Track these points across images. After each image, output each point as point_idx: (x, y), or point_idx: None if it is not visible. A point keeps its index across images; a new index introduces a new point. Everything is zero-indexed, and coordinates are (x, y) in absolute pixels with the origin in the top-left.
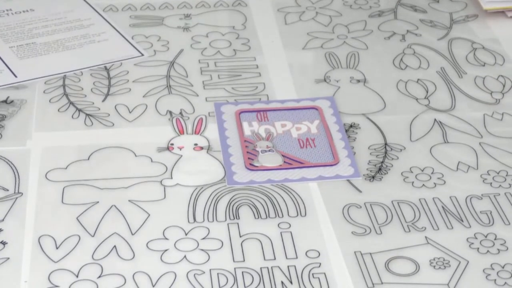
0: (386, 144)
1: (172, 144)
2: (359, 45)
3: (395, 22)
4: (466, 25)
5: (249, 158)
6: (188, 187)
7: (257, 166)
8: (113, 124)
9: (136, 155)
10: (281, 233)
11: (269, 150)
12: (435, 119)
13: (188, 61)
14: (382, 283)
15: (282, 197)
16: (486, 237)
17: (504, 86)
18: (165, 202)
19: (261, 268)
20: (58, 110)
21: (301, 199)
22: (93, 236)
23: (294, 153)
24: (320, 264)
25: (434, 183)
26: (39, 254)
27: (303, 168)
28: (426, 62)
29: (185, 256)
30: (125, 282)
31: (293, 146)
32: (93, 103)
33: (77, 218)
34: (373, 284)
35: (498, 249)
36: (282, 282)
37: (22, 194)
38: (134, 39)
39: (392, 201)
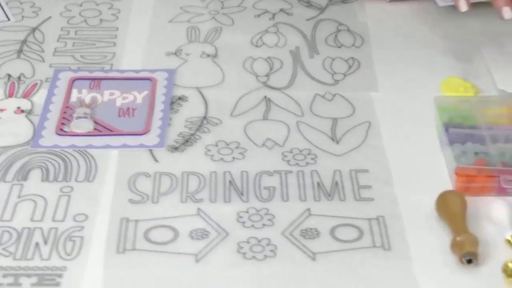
0: (204, 117)
1: None
2: (226, 21)
3: (271, 1)
4: (343, 7)
5: (63, 123)
6: None
7: (66, 132)
8: None
9: None
10: (59, 196)
11: (85, 117)
12: (265, 96)
13: (51, 29)
14: (134, 249)
15: (78, 163)
16: (258, 212)
17: (350, 67)
18: None
19: (22, 228)
20: None
21: (96, 166)
22: None
23: (110, 121)
24: (83, 227)
25: (233, 157)
26: None
27: (110, 136)
28: (284, 41)
29: None
30: None
31: (112, 114)
32: None
33: None
34: (124, 249)
35: (264, 224)
36: (37, 243)
37: None
38: (8, 4)
39: (182, 172)
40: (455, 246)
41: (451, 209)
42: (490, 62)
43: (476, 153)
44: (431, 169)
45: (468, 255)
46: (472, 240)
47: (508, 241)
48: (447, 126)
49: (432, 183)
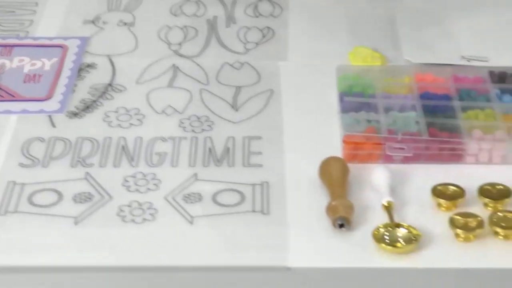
0: (109, 84)
1: None
2: None
3: None
4: None
5: None
6: None
7: None
8: None
9: None
10: None
11: None
12: (173, 64)
13: None
14: (16, 211)
15: None
16: (145, 176)
17: (264, 36)
18: None
19: None
20: None
21: None
22: None
23: (15, 87)
24: None
25: (130, 124)
26: None
27: (12, 102)
28: (204, 10)
29: None
30: None
31: (18, 80)
32: None
33: None
34: (6, 211)
35: (148, 188)
36: None
37: None
38: None
39: (77, 138)
40: (330, 211)
41: (332, 175)
42: (402, 33)
43: (369, 121)
44: (325, 137)
45: (341, 219)
46: (347, 205)
47: (384, 206)
48: (344, 95)
49: (323, 151)
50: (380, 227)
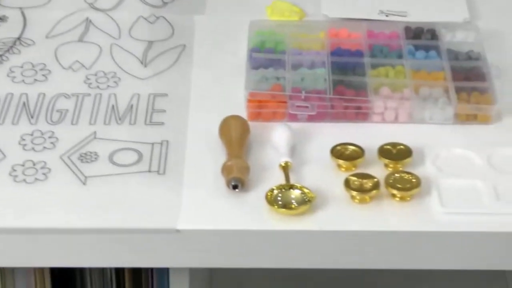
0: (18, 38)
1: None
2: None
3: None
4: None
5: None
6: None
7: None
8: None
9: None
10: None
11: None
12: (87, 18)
13: None
14: None
15: None
16: (42, 135)
17: None
18: None
19: None
20: None
21: None
22: None
23: None
24: None
25: (35, 79)
26: None
27: None
28: None
29: None
30: None
31: None
32: None
33: None
34: None
35: (44, 147)
36: None
37: None
38: None
39: None
40: (224, 171)
41: (230, 134)
42: None
43: (278, 79)
44: (231, 95)
45: (235, 180)
46: (242, 166)
47: (281, 166)
48: (255, 51)
49: (228, 109)
50: (274, 189)
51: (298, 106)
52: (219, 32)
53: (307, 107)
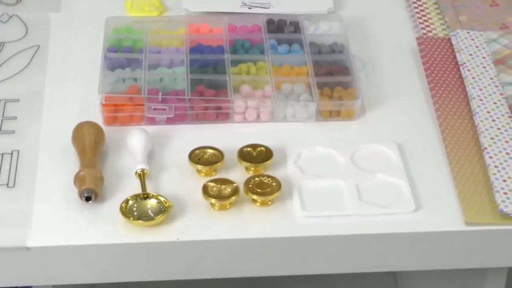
0: None
1: None
2: None
3: None
4: None
5: None
6: None
7: None
8: None
9: None
10: None
11: None
12: None
13: None
14: None
15: None
16: None
17: None
18: None
19: None
20: None
21: None
22: None
23: None
24: None
25: None
26: None
27: None
28: None
29: None
30: None
31: None
32: None
33: None
34: None
35: None
36: None
37: None
38: None
39: None
40: (77, 181)
41: (83, 141)
42: None
43: (135, 80)
44: (87, 98)
45: (87, 191)
46: (95, 176)
47: (138, 174)
48: (111, 50)
49: (84, 114)
50: (129, 199)
51: (155, 109)
52: (76, 30)
53: (165, 109)
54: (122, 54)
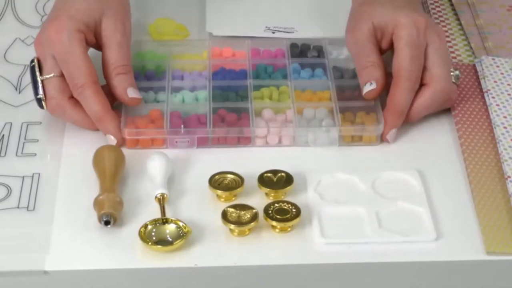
0: None
1: None
2: None
3: None
4: None
5: None
6: None
7: None
8: None
9: None
10: None
11: None
12: None
13: None
14: None
15: None
16: None
17: None
18: None
19: None
20: None
21: None
22: None
23: None
24: None
25: None
26: None
27: None
28: None
29: None
30: None
31: None
32: None
33: None
34: None
35: None
36: None
37: None
38: None
39: None
40: (96, 206)
41: (104, 166)
42: (209, 5)
43: (158, 102)
44: None
45: (106, 216)
46: (114, 200)
47: (157, 199)
48: (136, 75)
49: (105, 137)
50: (148, 224)
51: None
52: (98, 53)
53: (187, 141)
54: (145, 79)
